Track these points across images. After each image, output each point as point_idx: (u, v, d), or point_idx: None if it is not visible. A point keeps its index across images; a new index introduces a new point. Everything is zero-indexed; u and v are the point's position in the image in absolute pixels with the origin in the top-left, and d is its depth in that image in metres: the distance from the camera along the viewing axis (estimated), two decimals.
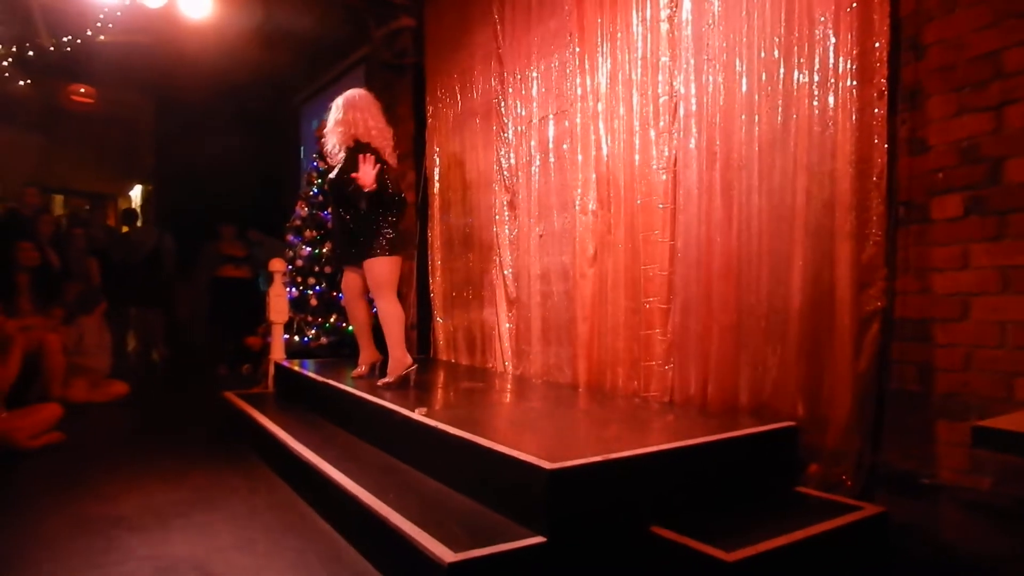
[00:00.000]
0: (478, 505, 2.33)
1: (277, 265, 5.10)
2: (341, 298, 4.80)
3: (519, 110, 4.39)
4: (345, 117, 3.80)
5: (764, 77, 2.88)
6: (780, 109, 2.83)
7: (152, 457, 3.57)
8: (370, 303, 3.96)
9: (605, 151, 3.65)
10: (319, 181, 5.66)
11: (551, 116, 4.11)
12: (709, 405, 3.07)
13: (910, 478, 2.43)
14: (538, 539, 2.00)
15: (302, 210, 5.65)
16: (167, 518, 2.67)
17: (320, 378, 4.01)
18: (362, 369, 3.98)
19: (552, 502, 2.05)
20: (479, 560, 1.89)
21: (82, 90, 8.52)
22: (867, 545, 2.36)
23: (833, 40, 2.65)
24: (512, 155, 4.44)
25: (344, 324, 5.36)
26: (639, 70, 3.46)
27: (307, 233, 5.54)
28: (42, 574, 2.17)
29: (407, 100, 5.75)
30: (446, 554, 1.88)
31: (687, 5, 3.21)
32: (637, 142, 3.46)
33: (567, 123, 3.96)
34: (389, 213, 3.72)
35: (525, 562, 1.97)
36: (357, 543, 2.40)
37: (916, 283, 2.47)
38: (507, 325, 4.47)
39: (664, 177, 3.31)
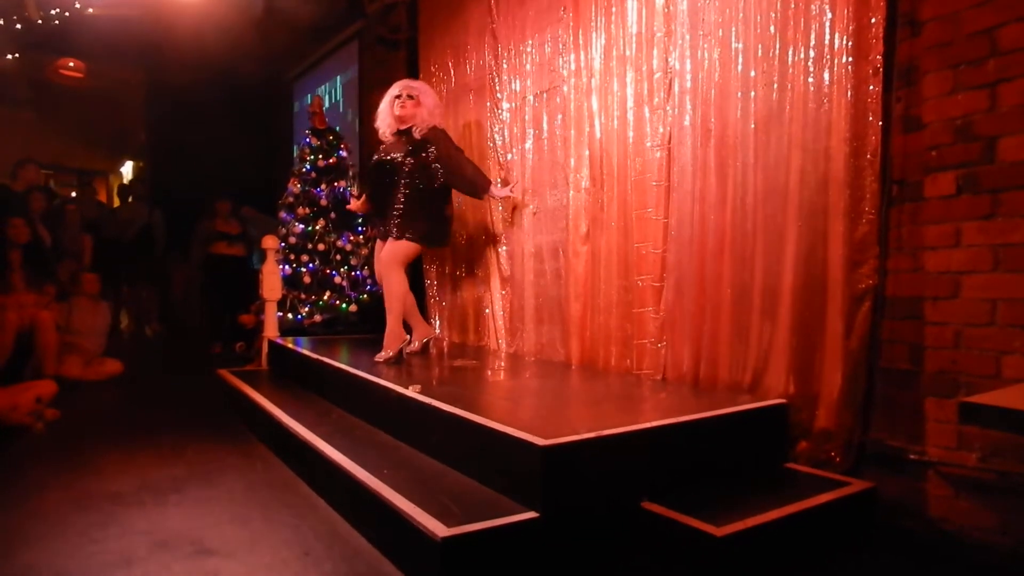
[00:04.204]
0: (472, 481, 2.35)
1: (270, 242, 5.09)
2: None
3: (513, 86, 4.35)
4: (429, 103, 3.95)
5: (760, 53, 2.86)
6: (776, 86, 2.81)
7: (148, 434, 3.58)
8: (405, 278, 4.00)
9: (599, 128, 3.63)
10: (311, 157, 5.63)
11: (545, 92, 4.07)
12: (701, 382, 3.09)
13: (898, 455, 2.45)
14: (531, 514, 2.03)
15: (295, 187, 5.62)
16: (163, 494, 2.69)
17: (314, 355, 4.02)
18: (415, 345, 4.07)
19: (545, 478, 2.07)
20: (472, 535, 1.91)
21: (71, 64, 8.41)
22: (855, 520, 2.40)
23: (829, 15, 2.62)
24: (506, 132, 4.42)
25: (337, 302, 5.36)
26: (633, 46, 3.43)
27: (300, 210, 5.52)
28: (41, 549, 2.19)
29: (400, 76, 5.66)
30: (439, 529, 1.90)
31: None
32: (631, 119, 3.44)
33: (560, 99, 3.93)
34: (438, 202, 3.97)
35: (518, 537, 1.99)
36: (351, 518, 2.43)
37: (908, 261, 2.48)
38: (500, 303, 4.48)
39: (658, 154, 3.30)
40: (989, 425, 1.76)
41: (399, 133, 3.92)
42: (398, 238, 3.83)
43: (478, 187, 4.00)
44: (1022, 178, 2.15)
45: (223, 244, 6.90)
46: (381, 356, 3.70)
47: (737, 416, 2.60)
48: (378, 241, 4.11)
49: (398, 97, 3.93)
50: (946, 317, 2.33)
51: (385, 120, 3.98)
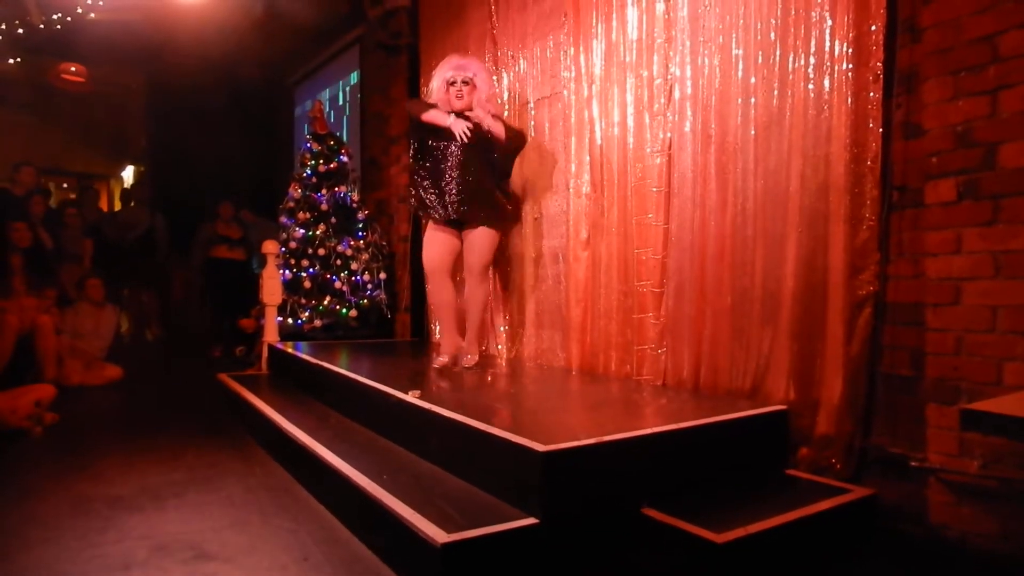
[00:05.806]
0: (471, 487, 2.34)
1: (270, 247, 5.09)
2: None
3: (514, 91, 4.36)
4: (484, 85, 3.72)
5: (760, 59, 2.87)
6: (776, 92, 2.82)
7: (147, 438, 3.58)
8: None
9: (599, 134, 3.63)
10: (312, 162, 5.63)
11: (545, 98, 4.08)
12: (701, 388, 3.09)
13: (899, 461, 2.45)
14: (531, 520, 2.02)
15: (295, 192, 5.62)
16: (163, 498, 2.68)
17: (314, 360, 4.01)
18: (445, 359, 3.80)
19: (545, 484, 2.06)
20: (472, 541, 1.90)
21: (73, 69, 8.42)
22: (855, 527, 2.39)
23: (829, 22, 2.63)
24: None
25: (337, 307, 5.35)
26: (634, 52, 3.44)
27: (300, 215, 5.52)
28: (39, 553, 2.18)
29: (402, 81, 5.71)
30: (439, 535, 1.89)
31: None
32: (631, 125, 3.45)
33: (561, 105, 3.94)
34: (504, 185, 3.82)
35: (518, 543, 1.99)
36: (351, 524, 2.42)
37: (909, 267, 2.48)
38: (501, 308, 4.47)
39: (659, 160, 3.30)
40: (990, 432, 1.76)
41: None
42: (487, 222, 3.70)
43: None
44: (1023, 184, 2.15)
45: (223, 248, 6.89)
46: (469, 361, 3.77)
47: (737, 422, 2.59)
48: (437, 232, 3.78)
49: (452, 84, 3.63)
50: (947, 323, 2.33)
51: (440, 97, 3.69)
